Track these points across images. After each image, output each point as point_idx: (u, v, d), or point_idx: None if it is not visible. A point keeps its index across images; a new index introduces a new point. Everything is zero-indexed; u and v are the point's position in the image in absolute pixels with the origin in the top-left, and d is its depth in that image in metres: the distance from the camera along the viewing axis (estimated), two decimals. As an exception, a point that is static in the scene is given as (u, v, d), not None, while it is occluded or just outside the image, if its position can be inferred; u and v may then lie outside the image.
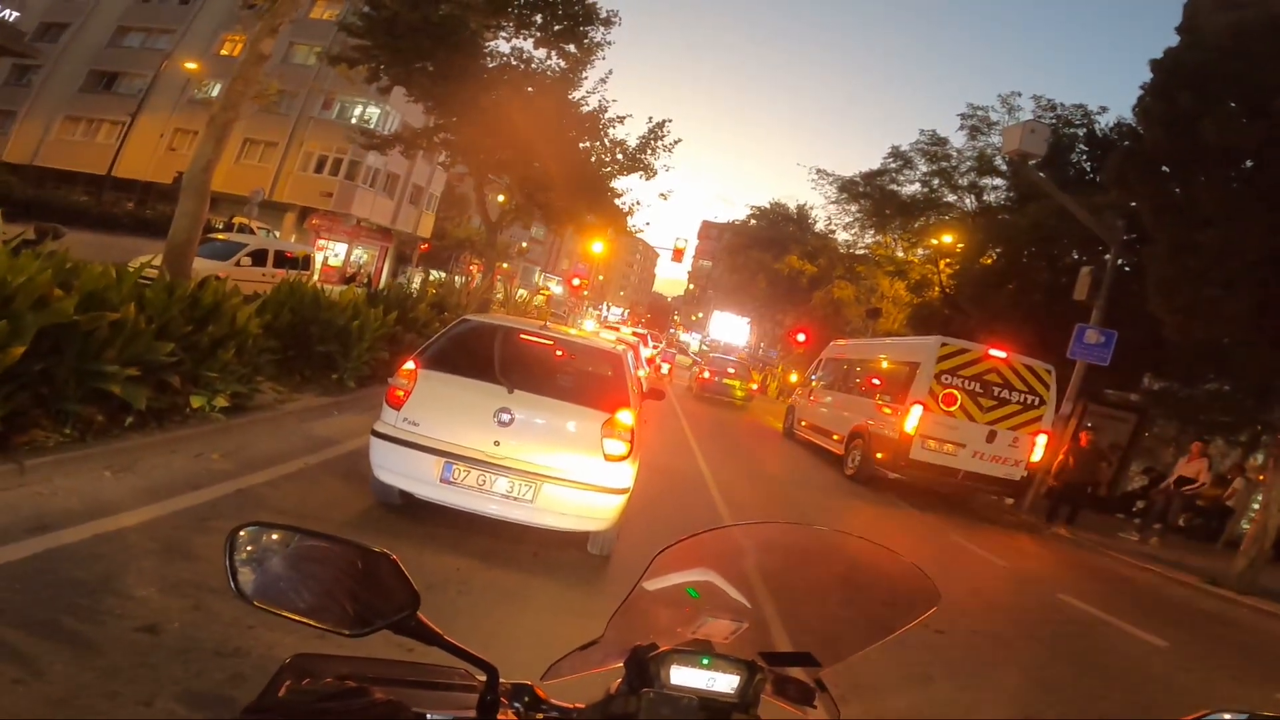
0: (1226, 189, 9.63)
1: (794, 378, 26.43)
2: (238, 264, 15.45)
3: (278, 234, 27.90)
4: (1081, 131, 19.96)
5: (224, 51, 33.82)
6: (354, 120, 33.12)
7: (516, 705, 0.93)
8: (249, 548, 0.95)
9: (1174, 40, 10.73)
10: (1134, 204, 12.29)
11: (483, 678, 0.89)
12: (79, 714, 2.31)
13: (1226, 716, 0.86)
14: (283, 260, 16.92)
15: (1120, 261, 13.70)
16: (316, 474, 5.57)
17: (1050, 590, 7.74)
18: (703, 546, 1.04)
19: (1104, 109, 20.57)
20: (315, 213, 32.92)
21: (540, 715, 0.94)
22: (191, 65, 30.61)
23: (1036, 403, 11.59)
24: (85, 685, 2.44)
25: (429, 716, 0.90)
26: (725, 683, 0.93)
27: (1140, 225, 12.42)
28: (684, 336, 73.85)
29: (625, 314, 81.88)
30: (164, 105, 33.52)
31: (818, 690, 1.06)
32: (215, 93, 27.43)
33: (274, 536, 0.97)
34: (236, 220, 25.20)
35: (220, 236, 17.72)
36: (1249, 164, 9.82)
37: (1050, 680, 4.82)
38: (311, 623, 0.90)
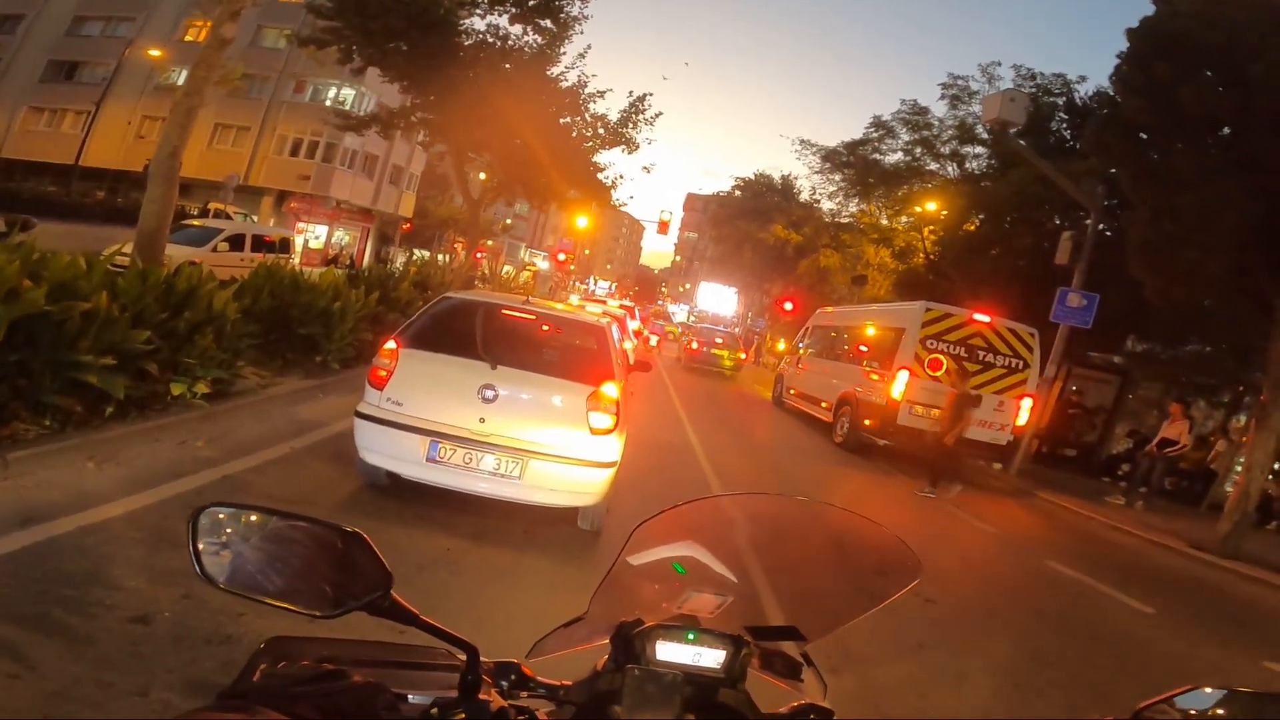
0: (1204, 155, 9.67)
1: (781, 345, 26.49)
2: (214, 249, 15.24)
3: (255, 218, 27.52)
4: (1061, 100, 20.03)
5: (188, 38, 33.09)
6: (328, 102, 32.58)
7: (502, 684, 0.92)
8: (213, 530, 0.91)
9: (1150, 10, 10.71)
10: (1113, 170, 12.34)
11: (464, 657, 0.87)
12: (75, 706, 2.30)
13: (1209, 690, 0.87)
14: (261, 244, 16.70)
15: (1101, 226, 13.78)
16: (303, 458, 5.53)
17: (1038, 556, 7.85)
18: (684, 518, 1.03)
19: (1083, 78, 20.50)
20: (293, 196, 32.48)
21: (525, 693, 0.93)
22: (155, 52, 30.01)
23: (1021, 366, 11.70)
24: (79, 677, 2.43)
25: (410, 697, 0.89)
26: (711, 658, 0.93)
27: (1120, 191, 12.47)
28: (672, 308, 73.95)
29: (613, 287, 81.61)
30: (130, 93, 32.93)
31: (804, 664, 1.06)
32: (181, 79, 26.90)
33: (239, 517, 0.93)
34: (212, 206, 24.82)
35: (195, 223, 17.45)
36: (1226, 130, 9.86)
37: (1039, 648, 4.89)
38: (281, 605, 0.87)
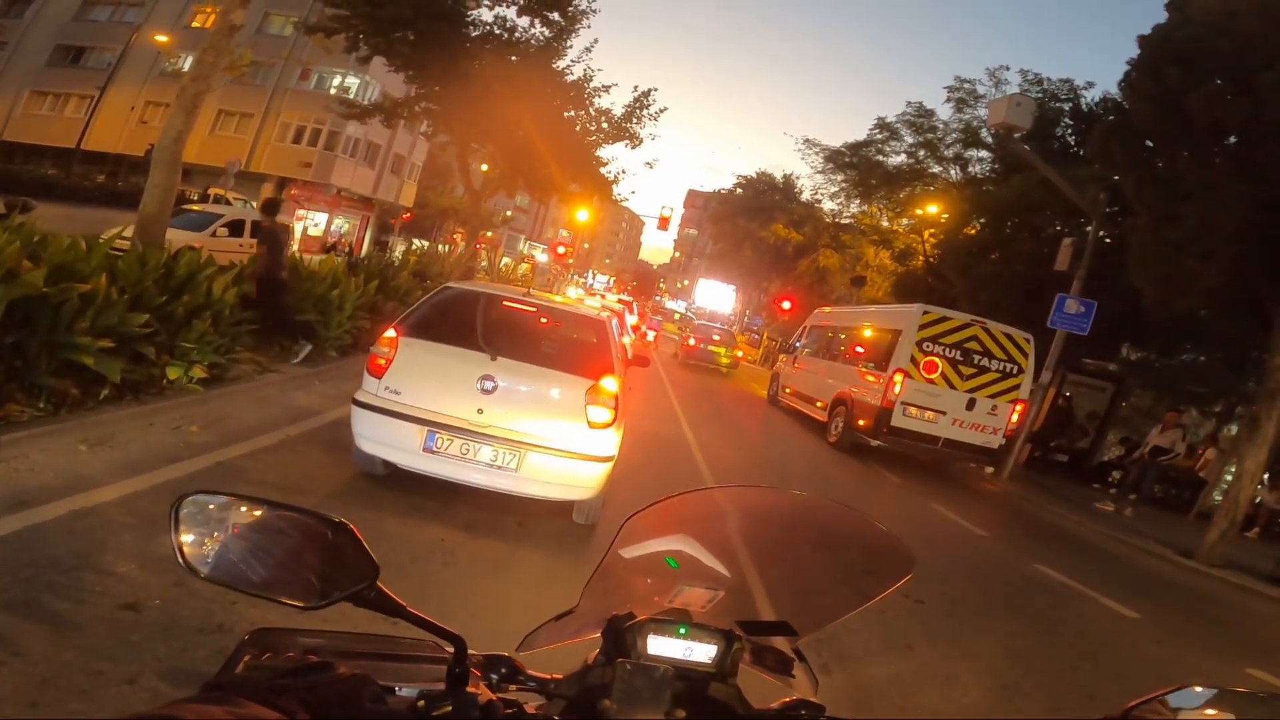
0: (1209, 163, 9.65)
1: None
2: (213, 234, 15.18)
3: (255, 205, 27.44)
4: (1067, 106, 20.02)
5: (195, 23, 33.04)
6: (333, 90, 32.54)
7: (491, 676, 0.92)
8: (197, 518, 0.89)
9: (1162, 17, 10.71)
10: (1116, 177, 12.33)
11: (452, 649, 0.86)
12: (63, 694, 2.29)
13: (1198, 689, 0.87)
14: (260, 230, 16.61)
15: (1101, 233, 13.79)
16: (298, 445, 5.51)
17: (1027, 560, 7.86)
18: (676, 510, 1.03)
19: (1090, 84, 20.57)
20: (294, 183, 32.41)
21: (515, 687, 0.92)
22: (162, 38, 30.05)
23: (1015, 371, 11.71)
24: (68, 664, 2.42)
25: (397, 690, 0.88)
26: (703, 652, 0.93)
27: (1122, 198, 12.47)
28: (670, 304, 73.91)
29: (611, 281, 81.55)
30: (134, 78, 32.99)
31: (796, 659, 1.06)
32: (187, 65, 26.90)
33: (223, 506, 0.91)
34: (212, 191, 24.74)
35: (195, 208, 17.38)
36: (1233, 139, 9.86)
37: (1026, 650, 4.91)
38: (265, 596, 0.86)
